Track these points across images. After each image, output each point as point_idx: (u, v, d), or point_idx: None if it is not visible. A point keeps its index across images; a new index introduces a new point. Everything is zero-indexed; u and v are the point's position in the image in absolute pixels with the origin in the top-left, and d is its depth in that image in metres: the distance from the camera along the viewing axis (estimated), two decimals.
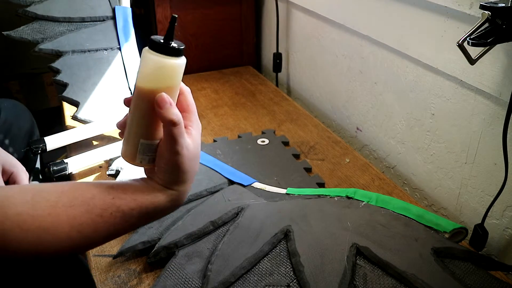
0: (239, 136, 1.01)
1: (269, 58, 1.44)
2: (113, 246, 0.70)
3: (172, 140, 0.46)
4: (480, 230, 0.72)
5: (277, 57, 1.36)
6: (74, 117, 0.94)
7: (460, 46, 0.61)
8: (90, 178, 0.87)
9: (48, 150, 0.88)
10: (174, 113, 0.45)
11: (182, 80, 0.49)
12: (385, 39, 0.91)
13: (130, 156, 0.50)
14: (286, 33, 1.33)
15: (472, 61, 0.64)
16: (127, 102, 0.50)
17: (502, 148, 0.67)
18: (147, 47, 0.46)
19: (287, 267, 0.62)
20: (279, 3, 1.29)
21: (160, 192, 0.49)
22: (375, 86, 0.99)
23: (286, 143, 0.99)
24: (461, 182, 0.80)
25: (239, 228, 0.67)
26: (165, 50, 0.45)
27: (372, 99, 1.00)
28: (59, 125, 1.13)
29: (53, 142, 0.89)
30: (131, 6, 1.04)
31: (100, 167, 0.90)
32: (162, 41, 0.45)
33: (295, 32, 1.28)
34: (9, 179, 0.74)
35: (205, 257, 0.64)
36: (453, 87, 0.78)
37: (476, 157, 0.76)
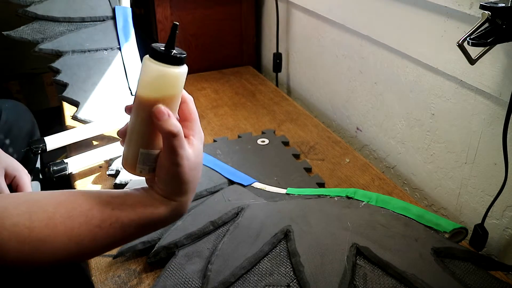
0: (239, 136, 1.01)
1: (269, 58, 1.44)
2: None
3: (172, 151, 0.45)
4: (480, 230, 0.72)
5: (277, 57, 1.36)
6: (74, 117, 0.94)
7: (460, 46, 0.61)
8: (90, 178, 0.87)
9: (48, 150, 0.88)
10: (173, 124, 0.45)
11: None
12: (385, 39, 0.91)
13: (130, 165, 0.49)
14: (286, 33, 1.33)
15: (472, 61, 0.64)
16: (128, 109, 0.49)
17: (502, 148, 0.67)
18: (147, 55, 0.45)
19: (287, 267, 0.62)
20: (279, 3, 1.29)
21: (161, 203, 0.48)
22: (375, 86, 0.99)
23: (286, 143, 0.99)
24: (461, 182, 0.80)
25: (239, 228, 0.67)
26: (166, 58, 0.44)
27: (372, 99, 1.00)
28: (59, 125, 1.13)
29: (53, 142, 0.89)
30: (131, 6, 1.04)
31: (100, 167, 0.90)
32: (163, 49, 0.44)
33: (295, 32, 1.28)
34: (12, 183, 0.74)
35: (205, 257, 0.64)
36: (453, 87, 0.78)
37: (476, 157, 0.76)
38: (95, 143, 0.98)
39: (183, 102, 0.49)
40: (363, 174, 0.89)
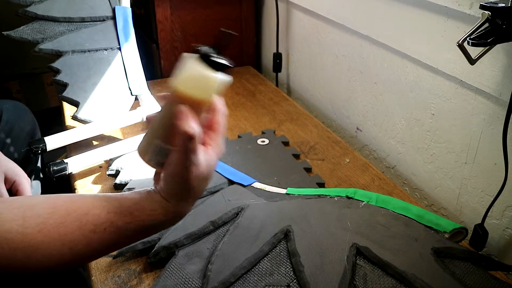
0: (239, 136, 1.01)
1: (269, 58, 1.44)
2: None
3: (183, 152, 0.44)
4: (480, 230, 0.72)
5: (277, 57, 1.36)
6: (74, 117, 0.94)
7: (460, 46, 0.61)
8: (90, 178, 0.87)
9: (48, 150, 0.88)
10: (191, 126, 0.43)
11: None
12: (385, 39, 0.91)
13: (142, 151, 0.49)
14: (286, 33, 1.33)
15: (472, 61, 0.64)
16: (160, 97, 0.49)
17: (502, 148, 0.67)
18: (188, 54, 0.44)
19: (287, 267, 0.62)
20: (279, 3, 1.29)
21: (159, 205, 0.47)
22: (375, 86, 0.99)
23: (286, 143, 0.99)
24: (461, 182, 0.80)
25: (239, 228, 0.67)
26: (206, 59, 0.44)
27: (372, 99, 1.00)
28: (59, 125, 1.13)
29: (53, 142, 0.89)
30: (131, 6, 1.04)
31: (100, 167, 0.90)
32: (207, 50, 0.44)
33: (295, 32, 1.28)
34: (12, 187, 0.74)
35: (205, 257, 0.64)
36: (453, 87, 0.78)
37: (476, 157, 0.76)
38: (95, 143, 0.98)
39: (213, 111, 0.47)
40: (363, 174, 0.89)
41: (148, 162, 0.49)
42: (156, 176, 0.50)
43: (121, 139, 0.99)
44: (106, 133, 1.01)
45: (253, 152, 0.93)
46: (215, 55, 0.44)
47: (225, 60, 0.45)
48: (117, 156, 0.89)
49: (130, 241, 0.47)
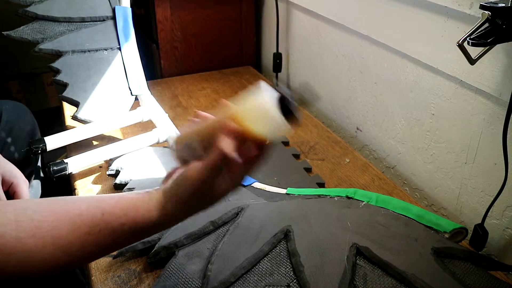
0: None
1: (269, 58, 1.44)
2: None
3: (208, 165, 0.44)
4: (480, 230, 0.72)
5: (277, 57, 1.36)
6: (74, 117, 0.94)
7: (460, 46, 0.61)
8: (90, 178, 0.87)
9: (48, 150, 0.88)
10: (230, 148, 0.43)
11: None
12: (385, 39, 0.91)
13: (178, 141, 0.50)
14: (286, 33, 1.33)
15: (472, 61, 0.64)
16: (201, 116, 0.50)
17: (502, 148, 0.67)
18: (266, 86, 0.44)
19: (287, 267, 0.62)
20: (279, 3, 1.29)
21: (155, 206, 0.46)
22: (375, 86, 0.99)
23: (286, 143, 0.99)
24: (461, 182, 0.80)
25: (239, 228, 0.67)
26: (284, 105, 0.44)
27: (372, 99, 1.00)
28: (59, 125, 1.13)
29: (53, 142, 0.89)
30: (131, 6, 1.04)
31: (100, 167, 0.90)
32: (289, 97, 0.44)
33: (295, 32, 1.28)
34: (9, 189, 0.74)
35: (205, 257, 0.64)
36: (453, 87, 0.78)
37: (476, 157, 0.76)
38: (95, 143, 0.98)
39: (258, 149, 0.47)
40: (363, 174, 0.89)
41: (177, 152, 0.50)
42: (168, 176, 0.50)
43: (121, 139, 0.99)
44: (106, 133, 1.01)
45: None
46: (292, 103, 0.44)
47: (297, 112, 0.44)
48: (117, 156, 0.89)
49: (125, 243, 0.47)
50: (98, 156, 0.88)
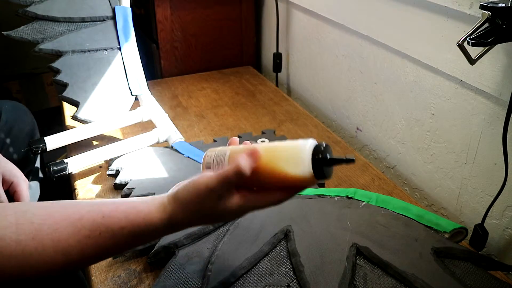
0: (239, 136, 1.01)
1: (269, 58, 1.44)
2: None
3: (218, 173, 0.44)
4: (480, 230, 0.72)
5: (277, 57, 1.36)
6: (74, 117, 0.94)
7: (460, 46, 0.61)
8: (90, 178, 0.87)
9: (48, 150, 0.88)
10: (246, 166, 0.44)
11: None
12: (385, 39, 0.91)
13: (211, 153, 0.53)
14: (286, 33, 1.33)
15: (472, 61, 0.64)
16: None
17: (502, 148, 0.67)
18: (311, 142, 0.46)
19: (287, 267, 0.62)
20: (279, 3, 1.29)
21: (156, 208, 0.46)
22: (375, 86, 0.99)
23: None
24: (461, 182, 0.80)
25: (239, 228, 0.67)
26: (315, 165, 0.45)
27: (372, 99, 1.00)
28: (59, 125, 1.13)
29: (53, 142, 0.89)
30: (131, 6, 1.04)
31: (100, 167, 0.90)
32: (326, 153, 0.45)
33: (295, 32, 1.28)
34: (9, 189, 0.74)
35: (205, 257, 0.64)
36: (453, 87, 0.78)
37: (476, 157, 0.76)
38: (95, 143, 0.98)
39: (277, 186, 0.47)
40: (363, 174, 0.89)
41: (205, 159, 0.53)
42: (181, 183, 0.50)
43: (121, 139, 0.99)
44: (106, 133, 1.01)
45: None
46: (329, 160, 0.45)
47: (329, 167, 0.46)
48: (117, 156, 0.89)
49: (126, 247, 0.46)
50: (98, 156, 0.88)
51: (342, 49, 1.08)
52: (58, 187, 0.94)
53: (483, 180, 0.75)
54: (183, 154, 0.91)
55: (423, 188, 0.90)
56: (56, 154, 1.23)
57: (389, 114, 0.96)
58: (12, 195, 0.74)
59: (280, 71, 1.39)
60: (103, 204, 0.45)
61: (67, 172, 0.85)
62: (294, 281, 0.60)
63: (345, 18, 1.02)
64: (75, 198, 0.83)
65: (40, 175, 1.03)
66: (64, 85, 0.94)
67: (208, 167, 0.53)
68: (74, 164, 0.86)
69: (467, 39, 0.60)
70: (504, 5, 0.57)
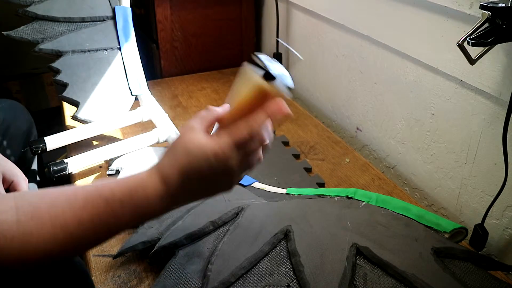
0: None
1: None
2: (113, 246, 0.70)
3: (233, 136, 0.46)
4: (480, 230, 0.72)
5: (277, 57, 1.36)
6: (74, 117, 0.94)
7: (460, 46, 0.61)
8: (90, 178, 0.87)
9: (48, 150, 0.88)
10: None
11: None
12: (385, 39, 0.91)
13: None
14: (286, 33, 1.33)
15: (472, 61, 0.64)
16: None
17: (502, 148, 0.67)
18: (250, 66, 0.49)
19: (287, 267, 0.62)
20: (279, 3, 1.29)
21: (147, 173, 0.47)
22: (375, 86, 0.99)
23: (286, 143, 0.99)
24: (461, 182, 0.80)
25: (239, 228, 0.67)
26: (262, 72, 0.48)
27: (372, 99, 1.00)
28: (59, 125, 1.13)
29: (53, 142, 0.89)
30: (131, 6, 1.04)
31: (100, 167, 0.90)
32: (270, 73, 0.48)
33: (295, 32, 1.28)
34: (10, 188, 0.74)
35: (205, 257, 0.64)
36: (453, 87, 0.78)
37: (476, 157, 0.76)
38: (95, 143, 0.98)
39: (250, 106, 0.50)
40: (363, 174, 0.89)
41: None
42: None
43: (121, 139, 0.99)
44: (106, 133, 1.01)
45: None
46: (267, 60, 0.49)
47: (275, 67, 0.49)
48: (117, 156, 0.89)
49: (123, 219, 0.46)
50: (98, 156, 0.88)
51: (342, 49, 1.08)
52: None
53: (483, 180, 0.75)
54: None
55: (423, 188, 0.90)
56: (56, 154, 1.23)
57: (389, 114, 0.96)
58: None
59: None
60: (97, 181, 0.47)
61: (67, 172, 0.85)
62: (294, 281, 0.60)
63: (345, 18, 1.02)
64: None
65: (38, 178, 1.03)
66: (64, 85, 0.94)
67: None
68: (74, 164, 0.86)
69: (467, 39, 0.60)
70: (504, 5, 0.57)
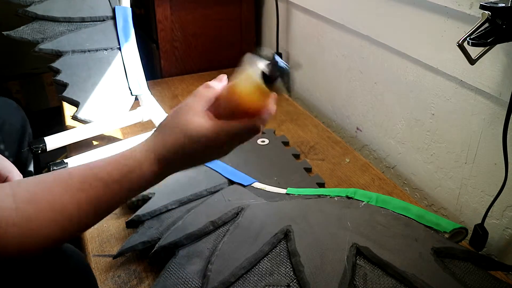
0: None
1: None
2: (113, 246, 0.70)
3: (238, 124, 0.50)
4: (480, 230, 0.72)
5: None
6: (74, 117, 0.94)
7: (460, 46, 0.61)
8: None
9: (48, 150, 0.88)
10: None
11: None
12: (385, 39, 0.91)
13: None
14: (286, 33, 1.33)
15: (472, 61, 0.64)
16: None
17: (502, 148, 0.67)
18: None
19: (287, 267, 0.62)
20: (279, 3, 1.29)
21: (140, 147, 0.49)
22: (375, 86, 0.99)
23: (286, 143, 0.99)
24: (461, 182, 0.80)
25: (239, 228, 0.67)
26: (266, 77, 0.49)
27: (372, 99, 1.00)
28: (59, 125, 1.13)
29: (53, 142, 0.89)
30: (131, 6, 1.04)
31: None
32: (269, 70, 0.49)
33: (295, 32, 1.28)
34: None
35: (205, 257, 0.64)
36: (453, 87, 0.78)
37: (476, 157, 0.76)
38: (95, 143, 0.98)
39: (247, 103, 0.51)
40: (363, 174, 0.89)
41: None
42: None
43: (121, 139, 0.99)
44: (106, 133, 1.01)
45: (253, 152, 0.93)
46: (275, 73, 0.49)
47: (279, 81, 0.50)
48: None
49: (120, 195, 0.47)
50: (98, 156, 0.87)
51: (342, 49, 1.08)
52: None
53: (483, 180, 0.75)
54: None
55: (423, 188, 0.90)
56: (56, 154, 1.23)
57: (389, 114, 0.96)
58: None
59: None
60: (92, 161, 0.48)
61: None
62: (294, 281, 0.60)
63: (345, 18, 1.02)
64: None
65: None
66: (64, 85, 0.94)
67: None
68: (74, 164, 0.86)
69: (467, 39, 0.60)
70: (504, 5, 0.57)
